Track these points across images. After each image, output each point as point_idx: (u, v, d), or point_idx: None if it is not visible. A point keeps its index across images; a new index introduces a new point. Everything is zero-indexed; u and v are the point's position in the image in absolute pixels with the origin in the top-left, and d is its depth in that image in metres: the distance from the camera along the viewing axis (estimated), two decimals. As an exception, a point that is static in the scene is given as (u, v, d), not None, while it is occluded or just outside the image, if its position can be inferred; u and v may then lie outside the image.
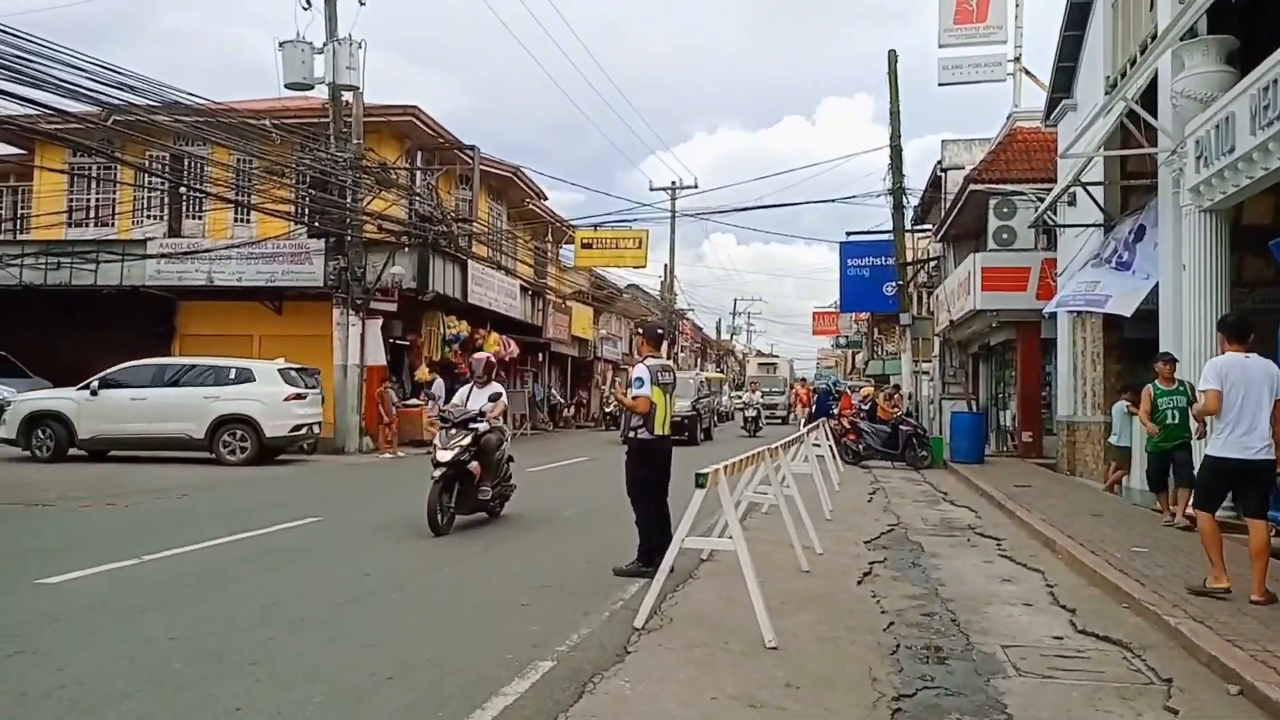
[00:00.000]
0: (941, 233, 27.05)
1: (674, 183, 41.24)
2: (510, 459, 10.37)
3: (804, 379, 47.22)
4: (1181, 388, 9.88)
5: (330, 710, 4.27)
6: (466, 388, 10.23)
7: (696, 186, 59.20)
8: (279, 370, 16.73)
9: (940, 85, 23.83)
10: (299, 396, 16.63)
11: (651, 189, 42.59)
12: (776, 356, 64.56)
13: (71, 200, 23.77)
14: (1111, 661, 5.30)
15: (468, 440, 9.23)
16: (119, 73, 14.95)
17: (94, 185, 24.03)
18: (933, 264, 29.89)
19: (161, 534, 8.80)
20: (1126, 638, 5.70)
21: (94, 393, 16.23)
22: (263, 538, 8.92)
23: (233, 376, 16.49)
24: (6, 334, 20.79)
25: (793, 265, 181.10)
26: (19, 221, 25.04)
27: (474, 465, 9.37)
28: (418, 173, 23.61)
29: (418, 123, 22.84)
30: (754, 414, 30.79)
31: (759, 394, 34.93)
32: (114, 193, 23.50)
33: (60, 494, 11.79)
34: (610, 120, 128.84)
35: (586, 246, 33.58)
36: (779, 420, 42.31)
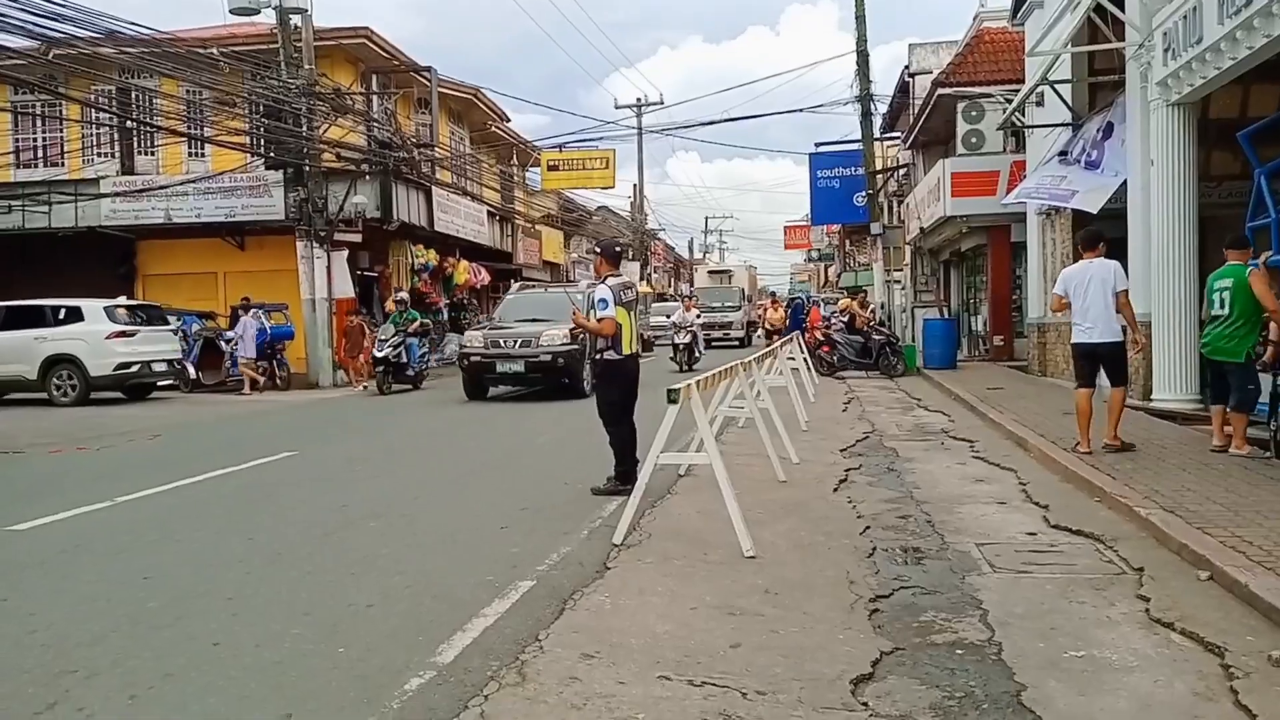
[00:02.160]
0: (910, 139, 26.82)
1: (639, 100, 40.61)
2: None
3: (773, 292, 45.58)
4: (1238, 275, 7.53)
5: (309, 641, 4.25)
6: None
7: (662, 103, 58.51)
8: (104, 308, 16.60)
9: (906, -13, 23.33)
10: (124, 334, 16.38)
11: (616, 107, 41.57)
12: (732, 266, 49.98)
13: (17, 141, 23.03)
14: (1084, 554, 5.37)
15: None
16: (54, 3, 14.38)
17: (40, 124, 23.26)
18: (902, 172, 29.68)
19: (134, 475, 8.71)
20: (1099, 531, 5.78)
21: None
22: (237, 474, 8.85)
23: (62, 316, 16.43)
24: (-38, 282, 20.31)
25: (757, 181, 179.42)
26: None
27: None
28: (374, 97, 23.00)
29: (371, 45, 22.15)
30: (687, 340, 21.94)
31: (695, 312, 24.31)
32: (61, 131, 22.77)
33: (30, 440, 11.65)
34: (572, 37, 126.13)
35: (553, 169, 33.16)
36: (734, 344, 33.08)
